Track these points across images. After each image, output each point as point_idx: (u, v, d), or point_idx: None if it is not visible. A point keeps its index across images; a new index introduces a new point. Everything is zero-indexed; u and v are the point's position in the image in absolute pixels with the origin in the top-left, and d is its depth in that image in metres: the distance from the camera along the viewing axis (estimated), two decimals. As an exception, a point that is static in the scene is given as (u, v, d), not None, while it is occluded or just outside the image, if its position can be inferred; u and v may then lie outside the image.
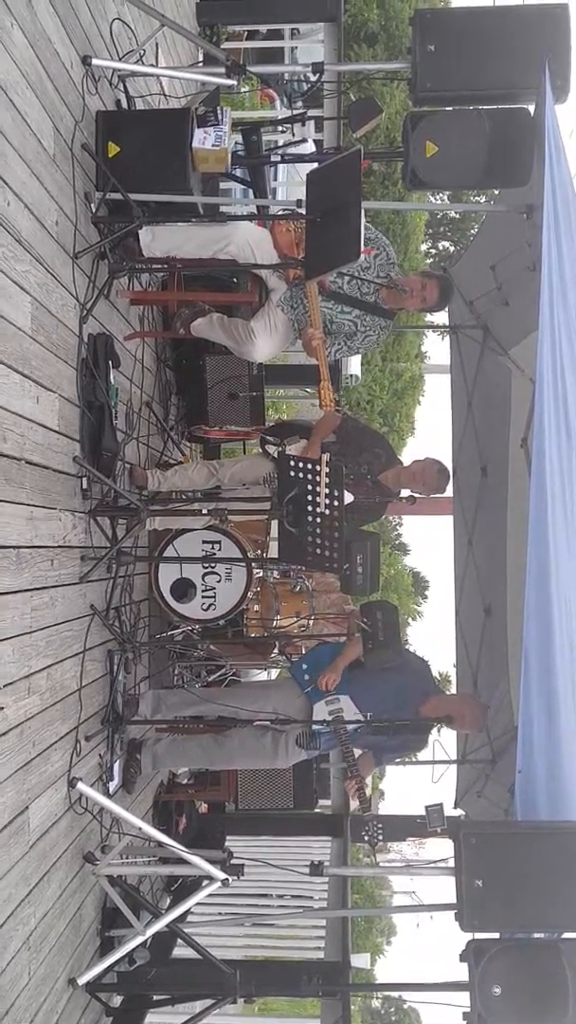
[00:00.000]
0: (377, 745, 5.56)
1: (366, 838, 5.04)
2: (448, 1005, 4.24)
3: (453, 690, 7.41)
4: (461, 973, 4.16)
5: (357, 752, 5.50)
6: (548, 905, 4.10)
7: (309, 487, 4.41)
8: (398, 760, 6.23)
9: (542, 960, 4.13)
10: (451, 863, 4.25)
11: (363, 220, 4.47)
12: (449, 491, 6.12)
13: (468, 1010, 4.10)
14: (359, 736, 5.45)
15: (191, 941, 4.43)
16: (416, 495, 5.71)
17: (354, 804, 5.22)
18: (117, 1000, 4.48)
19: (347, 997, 5.31)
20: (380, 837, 5.00)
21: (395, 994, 5.34)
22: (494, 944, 4.12)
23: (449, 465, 6.06)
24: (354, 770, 5.20)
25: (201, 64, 6.65)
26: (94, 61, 4.51)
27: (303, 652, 6.62)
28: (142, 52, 5.26)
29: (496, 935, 4.19)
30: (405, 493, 5.74)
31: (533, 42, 4.73)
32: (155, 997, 4.55)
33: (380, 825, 5.03)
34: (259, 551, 6.46)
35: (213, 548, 5.83)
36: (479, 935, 4.19)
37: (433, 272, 5.75)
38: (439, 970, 4.66)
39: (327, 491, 4.37)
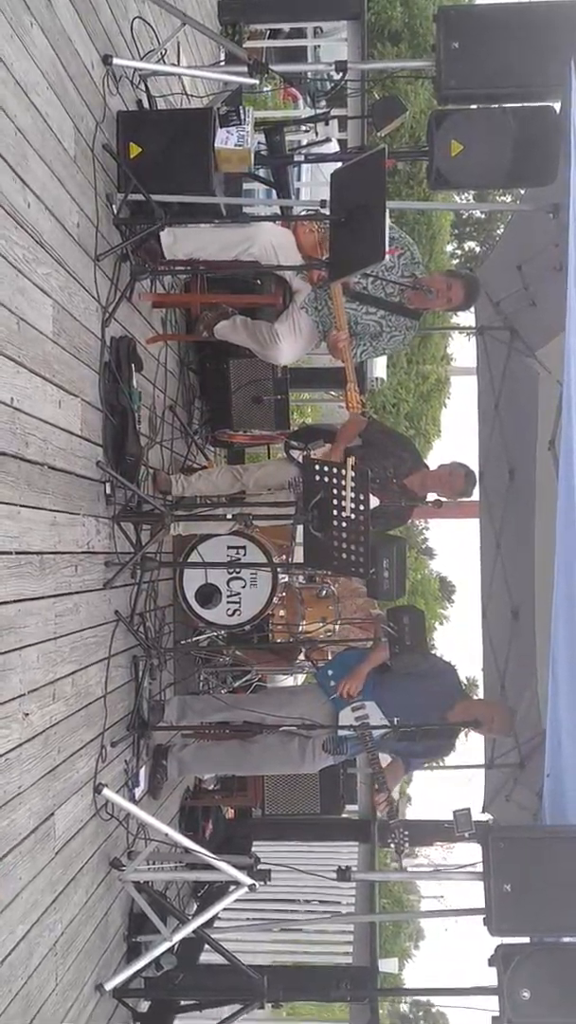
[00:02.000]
0: (404, 751, 5.52)
1: (392, 845, 5.01)
2: (477, 1009, 4.21)
3: (480, 695, 7.36)
4: (490, 978, 4.15)
5: (384, 759, 5.46)
6: (577, 909, 4.07)
7: (334, 491, 4.38)
8: (426, 765, 6.18)
9: (571, 964, 4.11)
10: (479, 868, 4.24)
11: (388, 220, 4.43)
12: (476, 495, 6.08)
13: (497, 1015, 4.08)
14: (386, 742, 5.41)
15: (218, 946, 4.41)
16: (442, 499, 5.66)
17: (382, 814, 5.19)
18: (144, 1006, 4.48)
19: (375, 1002, 5.30)
20: (406, 844, 4.96)
21: (423, 999, 5.30)
22: (523, 948, 4.10)
23: (476, 468, 6.02)
24: (382, 782, 5.16)
25: (223, 63, 6.63)
26: (115, 60, 4.47)
27: (329, 657, 6.59)
28: (163, 51, 5.24)
29: (525, 939, 4.15)
30: (431, 497, 5.70)
31: (559, 38, 4.69)
32: (182, 1002, 4.55)
33: (406, 833, 4.98)
34: (284, 556, 6.43)
35: (238, 553, 5.81)
36: (508, 939, 4.16)
37: (459, 272, 5.71)
38: (468, 974, 4.63)
39: (352, 495, 4.33)
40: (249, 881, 4.24)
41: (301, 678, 8.26)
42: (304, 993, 5.18)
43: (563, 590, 4.22)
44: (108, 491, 4.37)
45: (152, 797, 5.25)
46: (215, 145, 4.73)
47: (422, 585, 24.41)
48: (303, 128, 7.87)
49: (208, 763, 5.89)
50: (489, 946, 4.19)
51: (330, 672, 5.70)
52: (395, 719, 5.42)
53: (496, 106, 4.91)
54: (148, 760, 5.16)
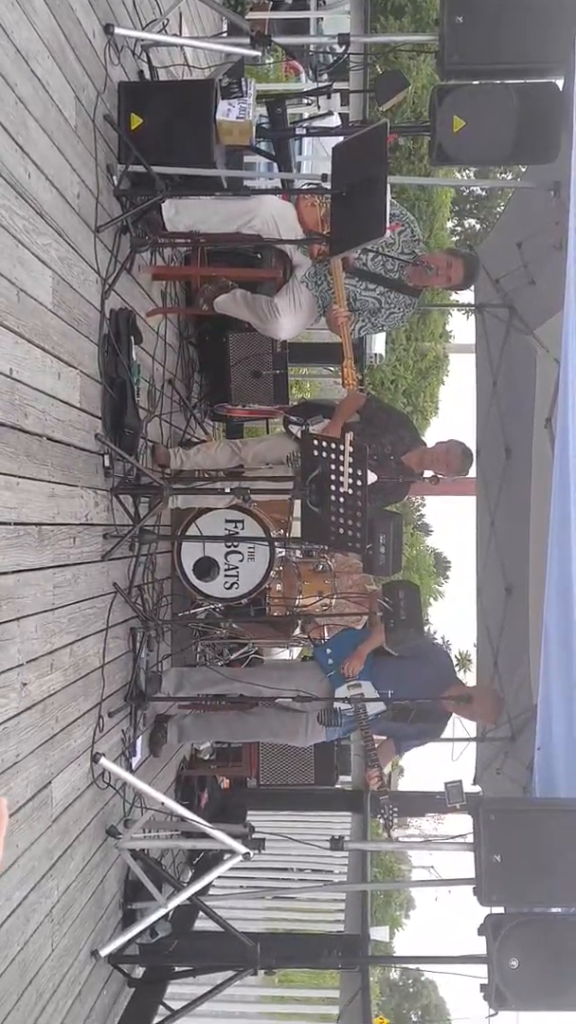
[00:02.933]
0: (396, 732, 5.58)
1: (381, 820, 5.08)
2: (466, 977, 4.27)
3: (474, 670, 7.41)
4: (479, 946, 4.20)
5: (377, 739, 5.51)
6: (565, 880, 4.14)
7: (332, 467, 4.40)
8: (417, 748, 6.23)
9: (559, 934, 4.19)
10: (470, 839, 4.28)
11: (389, 195, 4.43)
12: (472, 471, 6.09)
13: (486, 982, 4.14)
14: (379, 721, 5.47)
15: (212, 914, 4.46)
16: (439, 475, 5.68)
17: (374, 787, 5.25)
18: (139, 972, 4.52)
19: (366, 969, 5.35)
20: (395, 817, 5.03)
21: (413, 966, 5.37)
22: (512, 918, 4.16)
23: (473, 445, 6.04)
24: (374, 759, 5.22)
25: (225, 34, 6.59)
26: (116, 30, 4.43)
27: (325, 632, 6.63)
28: (165, 21, 5.21)
29: (514, 909, 4.21)
30: (428, 473, 5.72)
31: (562, 15, 4.67)
32: (176, 969, 4.60)
33: (395, 807, 5.06)
34: (282, 531, 6.46)
35: (236, 527, 5.84)
36: (497, 909, 4.22)
37: (459, 250, 5.70)
38: (457, 943, 4.69)
39: (350, 471, 4.35)
40: (244, 850, 4.29)
41: (297, 651, 8.31)
42: (296, 960, 5.24)
43: (556, 567, 4.26)
44: (107, 463, 4.38)
45: (154, 755, 5.33)
46: (216, 117, 4.70)
47: (418, 561, 24.45)
48: (305, 101, 7.83)
49: (207, 731, 5.96)
50: (478, 916, 4.25)
51: (328, 651, 5.74)
52: (389, 692, 5.48)
53: (499, 82, 4.90)
54: (147, 727, 5.21)
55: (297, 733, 5.68)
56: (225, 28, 6.72)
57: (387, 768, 5.37)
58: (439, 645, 6.07)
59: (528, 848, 4.15)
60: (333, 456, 4.39)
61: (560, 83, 4.76)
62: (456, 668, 6.49)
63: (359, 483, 4.37)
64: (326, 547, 6.06)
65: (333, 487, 4.42)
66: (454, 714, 5.58)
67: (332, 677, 5.58)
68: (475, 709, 5.52)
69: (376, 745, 5.39)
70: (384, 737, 5.64)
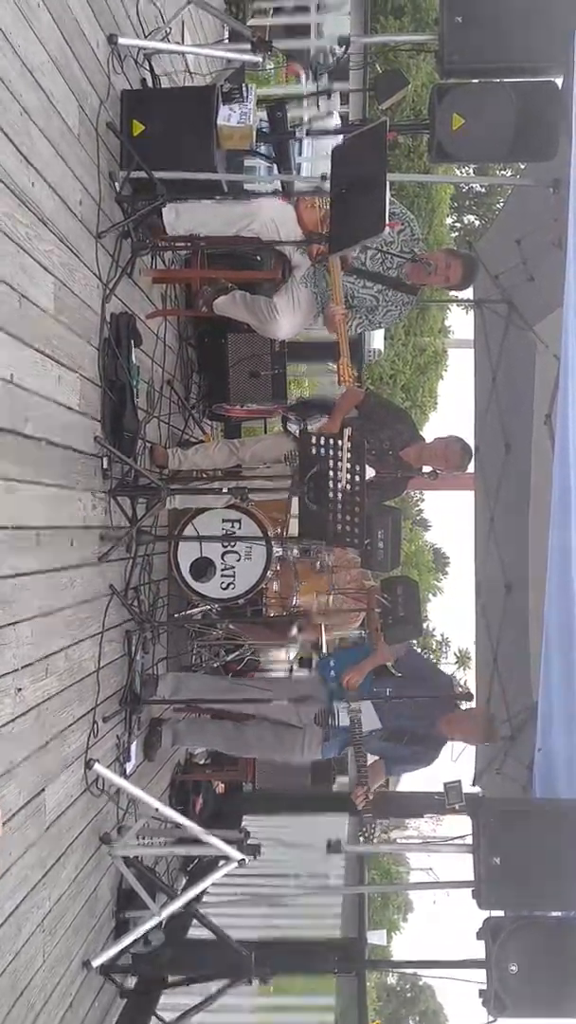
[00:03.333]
0: (389, 753, 5.54)
1: (361, 838, 5.07)
2: (465, 981, 4.24)
3: (473, 667, 7.38)
4: (478, 950, 4.16)
5: (370, 759, 5.48)
6: (566, 883, 4.10)
7: (331, 463, 4.38)
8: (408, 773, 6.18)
9: (559, 938, 4.14)
10: (469, 840, 4.25)
11: (388, 193, 4.40)
12: (471, 467, 6.07)
13: (485, 987, 4.10)
14: (373, 739, 5.44)
15: (207, 922, 4.42)
16: (438, 471, 5.66)
17: (359, 805, 5.22)
18: (132, 981, 4.49)
19: (363, 974, 5.34)
20: (375, 834, 5.03)
21: (411, 971, 5.33)
22: (511, 922, 4.12)
23: (472, 441, 6.01)
24: (364, 778, 5.19)
25: (227, 41, 6.58)
26: (120, 40, 4.47)
27: (323, 632, 6.60)
28: (168, 30, 5.21)
29: (513, 913, 4.18)
30: (427, 468, 5.69)
31: (561, 14, 4.65)
32: (170, 978, 4.55)
33: (376, 825, 5.07)
34: (279, 530, 6.43)
35: (233, 527, 5.80)
36: (496, 913, 4.18)
37: (459, 251, 5.67)
38: (456, 947, 4.66)
39: (348, 466, 4.33)
40: (239, 855, 4.26)
41: (294, 652, 8.29)
42: (291, 967, 5.20)
43: (556, 565, 4.23)
44: (105, 465, 4.37)
45: (148, 759, 5.29)
46: (217, 122, 4.71)
47: (416, 556, 24.47)
48: (305, 103, 7.80)
49: (201, 737, 5.92)
50: (477, 919, 4.22)
51: (332, 663, 5.72)
52: (388, 689, 5.45)
53: (498, 81, 4.87)
54: (142, 731, 5.18)
55: (294, 749, 5.64)
56: (227, 35, 6.72)
57: (375, 787, 5.33)
58: (441, 671, 6.02)
59: (528, 850, 4.12)
60: (331, 452, 4.38)
61: (559, 82, 4.74)
62: (456, 666, 6.45)
63: (357, 479, 4.35)
64: (324, 543, 6.03)
65: (331, 483, 4.41)
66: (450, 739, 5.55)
67: (333, 691, 5.54)
68: (470, 731, 5.48)
69: (368, 763, 5.36)
70: (376, 757, 5.60)
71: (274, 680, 6.46)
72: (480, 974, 4.13)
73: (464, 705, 5.56)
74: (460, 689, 5.69)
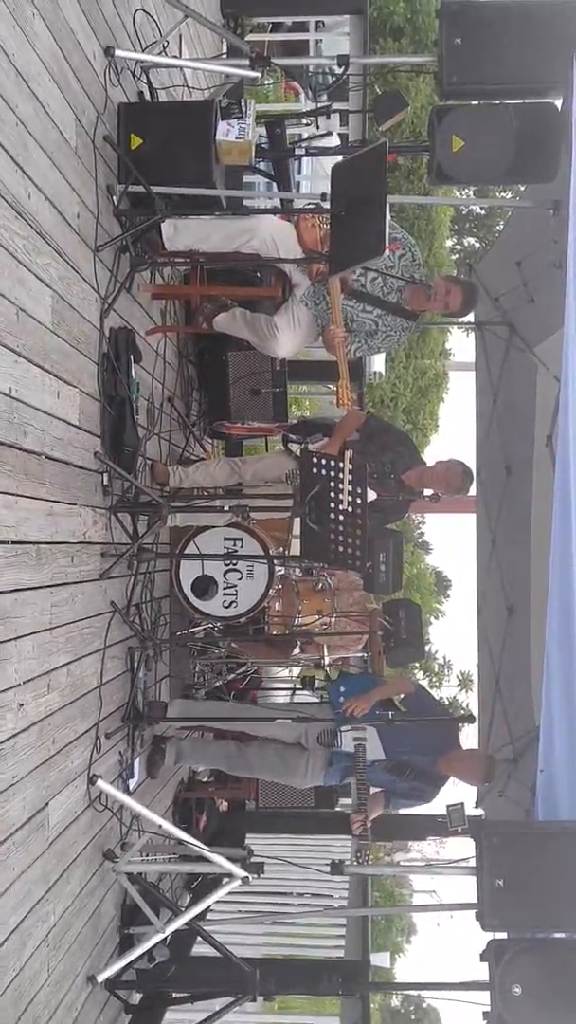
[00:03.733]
0: (389, 785, 5.53)
1: (356, 863, 5.10)
2: (469, 1003, 4.21)
3: (476, 690, 7.36)
4: (482, 973, 4.13)
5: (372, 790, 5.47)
6: (569, 905, 4.08)
7: (332, 484, 4.38)
8: (406, 809, 6.17)
9: (563, 960, 4.11)
10: (472, 862, 4.23)
11: (388, 215, 4.42)
12: (473, 489, 6.08)
13: (488, 1010, 4.08)
14: (375, 769, 5.43)
15: (211, 939, 4.41)
16: (440, 493, 5.66)
17: (356, 831, 5.21)
18: (136, 998, 4.47)
19: (367, 996, 5.30)
20: (368, 860, 5.10)
21: (415, 993, 5.30)
22: (514, 944, 4.09)
23: (473, 463, 6.02)
24: (363, 807, 5.18)
25: (225, 56, 6.62)
26: (117, 52, 4.46)
27: (324, 651, 6.60)
28: (166, 43, 5.23)
29: (517, 935, 4.16)
30: (428, 491, 5.70)
31: (561, 35, 4.69)
32: (174, 995, 4.54)
33: (366, 856, 5.12)
34: (281, 549, 6.43)
35: (235, 545, 5.81)
36: (499, 935, 4.16)
37: (460, 278, 5.70)
38: (459, 969, 4.63)
39: (350, 488, 4.33)
40: (242, 874, 4.25)
41: (296, 671, 8.27)
42: (295, 986, 5.19)
43: (558, 587, 4.22)
44: (105, 482, 4.36)
45: (151, 776, 5.28)
46: (216, 137, 4.72)
47: (418, 579, 24.40)
48: (304, 122, 7.85)
49: (204, 757, 5.92)
50: (481, 941, 4.19)
51: (342, 688, 5.70)
52: (391, 713, 5.44)
53: (498, 102, 4.91)
54: (145, 748, 5.17)
55: (296, 773, 5.63)
56: (225, 50, 6.75)
57: (372, 817, 5.33)
58: (448, 712, 6.02)
59: (532, 872, 4.09)
60: (332, 474, 4.37)
61: (559, 103, 4.77)
62: (458, 688, 6.44)
63: (359, 501, 4.35)
64: (326, 565, 6.04)
65: (332, 504, 4.40)
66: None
67: (338, 715, 5.53)
68: (469, 770, 5.48)
69: (369, 792, 5.35)
70: (378, 789, 5.59)
71: (279, 706, 6.45)
72: (484, 996, 4.10)
73: (464, 738, 5.56)
74: (462, 711, 5.70)
